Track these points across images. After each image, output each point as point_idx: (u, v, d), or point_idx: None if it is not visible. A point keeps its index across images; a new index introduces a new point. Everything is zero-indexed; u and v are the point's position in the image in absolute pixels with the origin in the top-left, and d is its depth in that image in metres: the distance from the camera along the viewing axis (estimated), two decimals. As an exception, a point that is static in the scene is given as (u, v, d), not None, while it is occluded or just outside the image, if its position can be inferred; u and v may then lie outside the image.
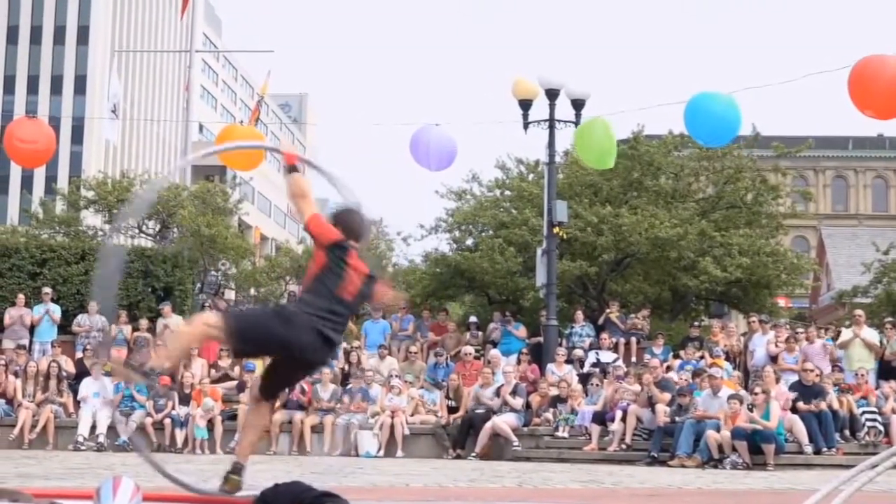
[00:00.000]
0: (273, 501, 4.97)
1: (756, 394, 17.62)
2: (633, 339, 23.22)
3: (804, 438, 17.51)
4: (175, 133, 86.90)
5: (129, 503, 6.04)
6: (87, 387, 20.66)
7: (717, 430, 17.19)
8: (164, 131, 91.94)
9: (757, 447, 16.89)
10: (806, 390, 18.36)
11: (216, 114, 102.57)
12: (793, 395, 18.24)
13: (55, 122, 66.63)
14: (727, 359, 21.44)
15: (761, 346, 21.20)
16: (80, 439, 19.76)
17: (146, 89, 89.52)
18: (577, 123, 22.39)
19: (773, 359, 20.64)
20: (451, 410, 20.68)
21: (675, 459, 17.27)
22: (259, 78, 50.52)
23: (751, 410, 17.24)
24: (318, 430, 20.12)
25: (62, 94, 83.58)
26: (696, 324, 24.50)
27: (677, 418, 18.03)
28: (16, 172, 79.88)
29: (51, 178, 70.74)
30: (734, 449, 16.95)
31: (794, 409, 17.95)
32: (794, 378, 19.30)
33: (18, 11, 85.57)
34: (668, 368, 20.59)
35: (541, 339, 22.90)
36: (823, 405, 17.96)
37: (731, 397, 17.54)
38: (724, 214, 31.28)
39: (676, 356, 21.87)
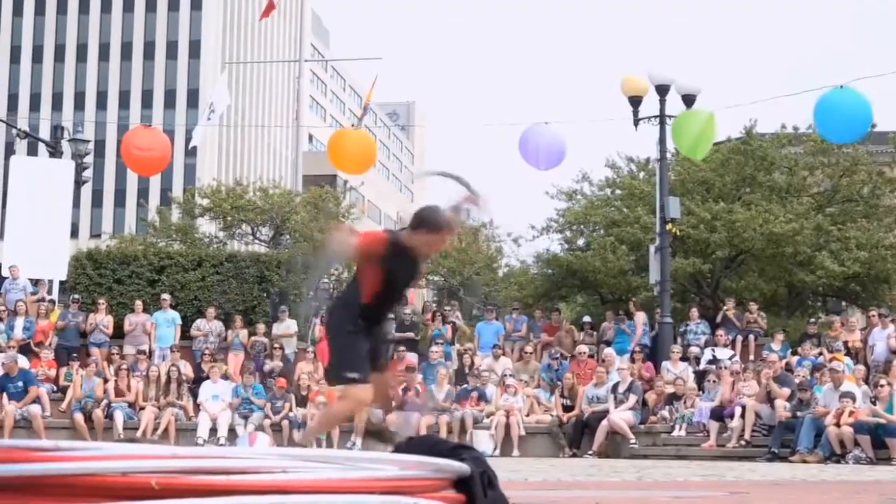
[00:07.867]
0: (408, 452, 5.02)
1: (880, 387, 17.24)
2: (751, 336, 22.82)
3: (930, 432, 17.08)
4: (285, 142, 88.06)
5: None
6: (206, 390, 21.05)
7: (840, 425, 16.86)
8: (275, 141, 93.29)
9: (881, 442, 16.54)
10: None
11: (325, 124, 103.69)
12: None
13: (169, 134, 67.67)
14: (847, 354, 21.00)
15: (881, 340, 20.74)
16: (200, 441, 20.12)
17: (257, 100, 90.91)
18: (687, 119, 22.10)
19: (895, 353, 20.19)
20: (566, 409, 20.61)
21: (796, 455, 16.98)
22: (367, 87, 50.88)
23: (874, 404, 16.88)
24: (433, 430, 20.16)
25: (175, 107, 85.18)
26: (812, 321, 24.06)
27: (798, 413, 17.73)
28: (132, 185, 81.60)
29: (166, 190, 72.10)
30: (857, 444, 16.61)
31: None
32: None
33: (132, 28, 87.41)
34: (787, 365, 20.26)
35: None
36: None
37: (843, 395, 17.16)
38: (841, 208, 30.69)
39: (794, 353, 21.48)
